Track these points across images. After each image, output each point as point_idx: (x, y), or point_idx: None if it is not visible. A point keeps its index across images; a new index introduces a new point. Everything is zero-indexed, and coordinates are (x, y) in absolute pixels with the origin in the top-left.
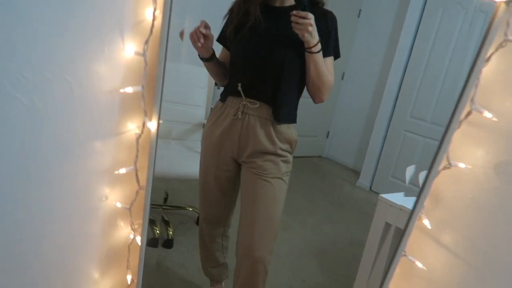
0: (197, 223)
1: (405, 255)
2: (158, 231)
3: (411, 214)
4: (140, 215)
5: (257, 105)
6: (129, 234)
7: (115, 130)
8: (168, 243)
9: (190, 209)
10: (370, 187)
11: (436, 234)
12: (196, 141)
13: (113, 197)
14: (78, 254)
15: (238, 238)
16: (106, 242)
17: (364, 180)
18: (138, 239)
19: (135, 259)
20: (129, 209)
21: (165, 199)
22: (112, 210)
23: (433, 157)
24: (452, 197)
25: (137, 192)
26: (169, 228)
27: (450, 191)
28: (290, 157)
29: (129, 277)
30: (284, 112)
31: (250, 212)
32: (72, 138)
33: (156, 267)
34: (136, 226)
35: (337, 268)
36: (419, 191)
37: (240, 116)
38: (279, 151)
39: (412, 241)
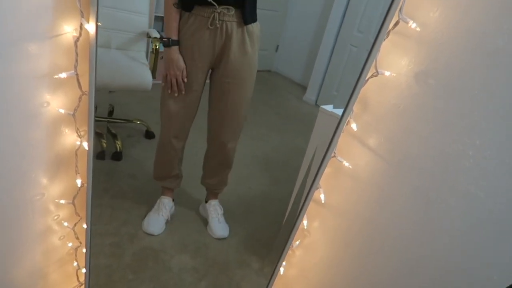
0: (146, 136)
1: (334, 156)
2: (105, 144)
3: (340, 118)
4: (85, 122)
5: (232, 11)
6: (76, 141)
7: (50, 31)
8: (117, 156)
9: (138, 122)
10: (316, 102)
11: (362, 137)
12: (140, 52)
13: (55, 103)
14: (23, 161)
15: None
16: (52, 148)
17: (310, 95)
18: (85, 144)
19: (84, 165)
20: (73, 115)
21: (111, 112)
22: (55, 117)
23: (362, 66)
24: (378, 102)
25: (80, 98)
26: (117, 141)
27: (376, 97)
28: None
29: (78, 181)
30: (251, 12)
31: (225, 110)
32: (3, 38)
33: (106, 177)
34: (82, 133)
35: (281, 175)
36: (348, 98)
37: (218, 25)
38: (253, 51)
39: (341, 143)
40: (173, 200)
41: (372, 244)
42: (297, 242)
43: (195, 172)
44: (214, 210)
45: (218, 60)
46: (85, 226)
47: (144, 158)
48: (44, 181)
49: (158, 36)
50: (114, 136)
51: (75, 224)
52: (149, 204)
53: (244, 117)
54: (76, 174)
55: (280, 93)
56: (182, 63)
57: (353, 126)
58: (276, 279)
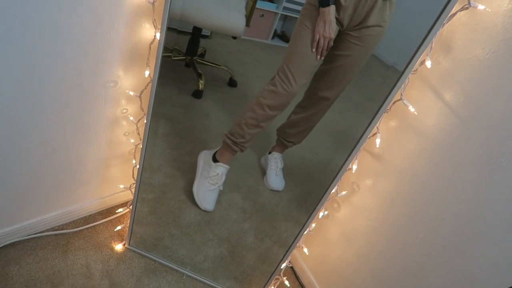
0: (229, 84)
1: (400, 99)
2: (201, 85)
3: (413, 54)
4: (160, 13)
5: None
6: (152, 34)
7: None
8: (197, 93)
9: (225, 68)
10: None
11: (437, 85)
12: (241, 1)
13: None
14: (101, 45)
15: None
16: (129, 38)
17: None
18: (158, 35)
19: (154, 58)
20: (153, 4)
21: (202, 55)
22: (137, 5)
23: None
24: (463, 47)
25: None
26: (200, 81)
27: (462, 39)
28: None
29: (147, 72)
30: None
31: (341, 69)
32: None
33: (183, 110)
34: (158, 26)
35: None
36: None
37: None
38: (388, 20)
39: (412, 88)
40: None
41: (427, 213)
42: (344, 192)
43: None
44: (275, 162)
45: (355, 24)
46: (145, 121)
47: (223, 103)
48: (119, 70)
49: None
50: (199, 76)
51: (138, 120)
52: (215, 143)
53: (352, 79)
54: (147, 66)
55: (370, 75)
56: (335, 25)
57: (428, 63)
58: (312, 227)
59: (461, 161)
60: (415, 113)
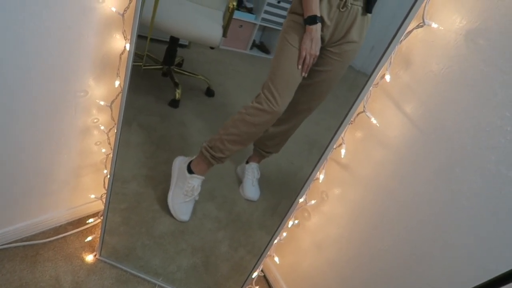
0: (206, 93)
1: (363, 111)
2: (178, 94)
3: (375, 66)
4: (130, 24)
5: None
6: (122, 45)
7: None
8: (174, 103)
9: (202, 77)
10: None
11: (398, 98)
12: (218, 11)
13: (110, 2)
14: (72, 55)
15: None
16: (100, 48)
17: None
18: (127, 46)
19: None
20: (122, 15)
21: (180, 64)
22: (107, 16)
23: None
24: (420, 62)
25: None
26: (177, 90)
27: (419, 55)
28: None
29: (117, 82)
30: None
31: (321, 82)
32: None
33: (160, 119)
34: (128, 36)
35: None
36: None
37: (349, 7)
38: (363, 38)
39: (374, 101)
40: None
41: (393, 221)
42: (313, 201)
43: None
44: (252, 172)
45: (335, 40)
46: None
47: (200, 112)
48: (89, 80)
49: None
50: (176, 85)
51: (109, 129)
52: (191, 152)
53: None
54: (117, 76)
55: (344, 83)
56: (320, 43)
57: (387, 77)
58: (283, 236)
59: (423, 171)
60: (377, 125)
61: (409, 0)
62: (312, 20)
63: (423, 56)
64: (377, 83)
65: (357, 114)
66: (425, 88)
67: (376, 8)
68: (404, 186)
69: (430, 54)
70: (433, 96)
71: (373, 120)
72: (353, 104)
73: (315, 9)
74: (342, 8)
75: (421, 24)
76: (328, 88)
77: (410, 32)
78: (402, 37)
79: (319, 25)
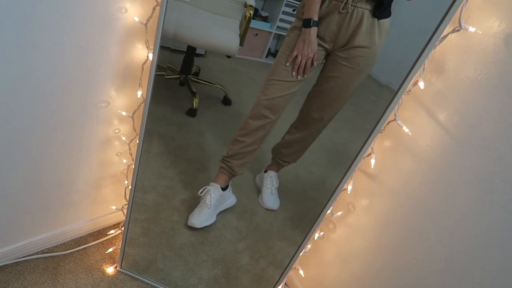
0: (223, 102)
1: (394, 120)
2: (196, 104)
3: (408, 72)
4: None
5: None
6: (144, 55)
7: None
8: (191, 112)
9: (219, 86)
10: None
11: (430, 105)
12: (235, 20)
13: (133, 11)
14: (93, 65)
15: (311, 105)
16: (122, 58)
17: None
18: (150, 55)
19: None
20: (145, 25)
21: (197, 73)
22: (130, 26)
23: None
24: (455, 67)
25: (154, 8)
26: (194, 99)
27: (454, 61)
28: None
29: (139, 93)
30: (386, 6)
31: (334, 90)
32: None
33: (177, 128)
34: (151, 46)
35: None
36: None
37: (349, 10)
38: (380, 42)
39: (405, 109)
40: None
41: (423, 233)
42: (339, 213)
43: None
44: (270, 181)
45: (342, 45)
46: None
47: (217, 121)
48: (111, 90)
49: (254, 4)
50: (193, 94)
51: (131, 140)
52: (209, 162)
53: (345, 101)
54: (139, 86)
55: (363, 93)
56: (316, 46)
57: (421, 84)
58: (307, 248)
59: (456, 181)
60: (409, 133)
61: (444, 4)
62: (307, 23)
63: (458, 62)
64: (409, 90)
65: (388, 123)
66: (460, 95)
67: (401, 15)
68: (435, 197)
69: (465, 60)
70: (469, 103)
71: (405, 129)
72: (384, 113)
73: (313, 13)
74: (342, 9)
75: (457, 28)
76: (338, 96)
77: (445, 36)
78: (437, 42)
79: (314, 28)
